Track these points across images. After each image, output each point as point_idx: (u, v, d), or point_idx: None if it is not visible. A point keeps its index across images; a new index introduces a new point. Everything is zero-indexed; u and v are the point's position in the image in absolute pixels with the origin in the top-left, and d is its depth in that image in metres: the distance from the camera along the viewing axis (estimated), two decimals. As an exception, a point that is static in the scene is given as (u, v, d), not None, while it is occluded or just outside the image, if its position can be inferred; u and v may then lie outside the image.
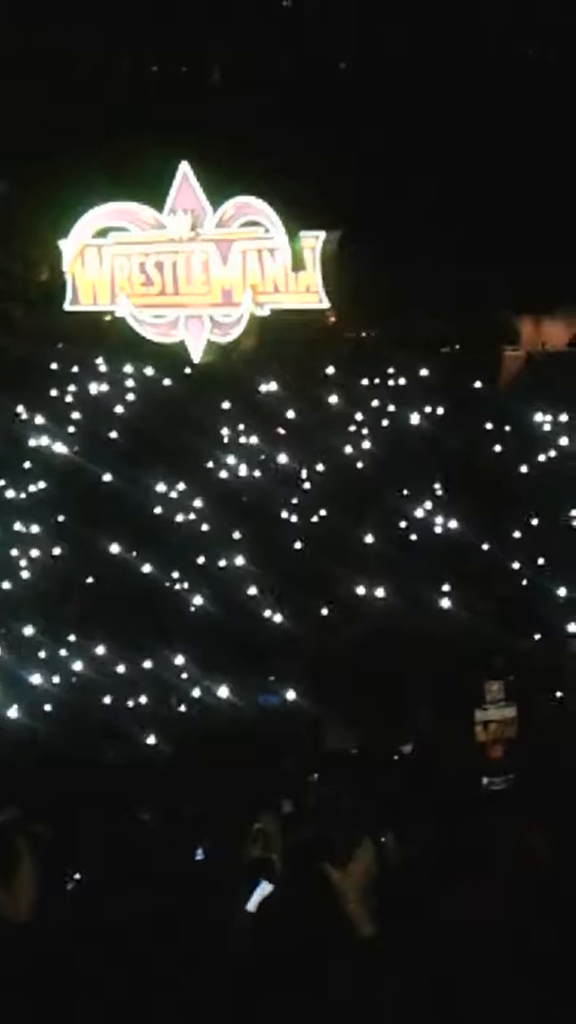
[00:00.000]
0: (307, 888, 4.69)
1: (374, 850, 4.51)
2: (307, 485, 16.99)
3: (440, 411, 17.62)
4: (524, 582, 15.55)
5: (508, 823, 5.98)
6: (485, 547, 15.77)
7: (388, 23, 18.83)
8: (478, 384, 18.22)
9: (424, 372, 18.23)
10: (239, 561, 15.80)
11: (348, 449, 17.35)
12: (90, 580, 15.87)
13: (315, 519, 16.46)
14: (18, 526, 16.45)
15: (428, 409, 17.63)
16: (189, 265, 17.93)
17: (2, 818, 4.65)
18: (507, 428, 17.41)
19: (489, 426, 17.48)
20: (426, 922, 4.80)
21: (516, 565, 15.62)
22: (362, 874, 4.40)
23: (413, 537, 16.29)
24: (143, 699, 14.51)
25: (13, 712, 14.05)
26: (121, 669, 14.65)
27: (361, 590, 15.39)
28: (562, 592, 15.08)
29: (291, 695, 14.19)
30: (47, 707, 14.24)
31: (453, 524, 16.11)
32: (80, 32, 19.59)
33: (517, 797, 8.35)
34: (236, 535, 16.14)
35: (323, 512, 16.46)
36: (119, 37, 19.79)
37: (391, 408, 17.81)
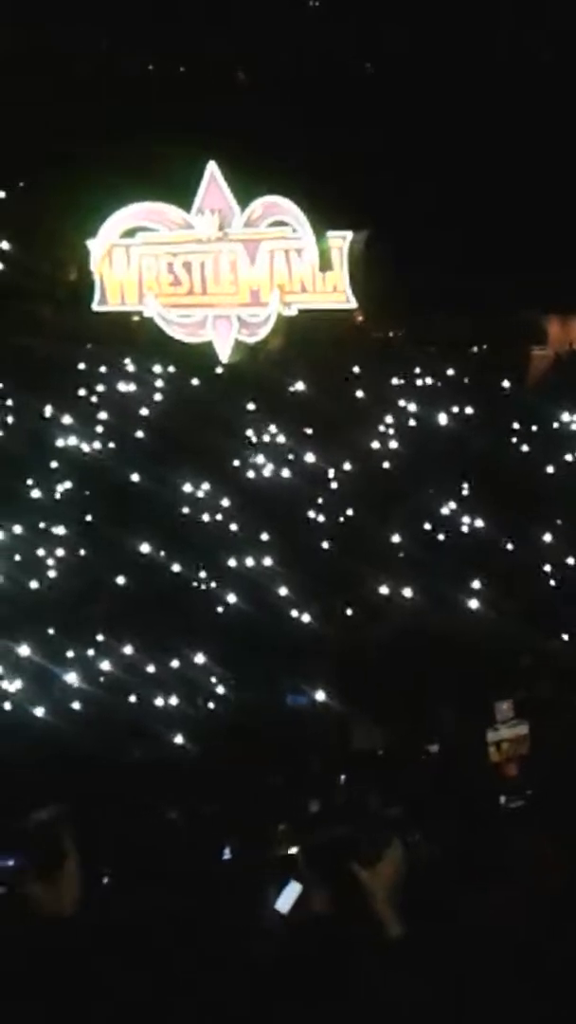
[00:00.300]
0: (334, 888, 4.71)
1: (402, 850, 4.53)
2: (334, 485, 17.00)
3: (467, 411, 17.62)
4: (551, 582, 15.53)
5: (526, 834, 5.99)
6: (511, 547, 15.76)
7: (411, 24, 18.79)
8: (506, 384, 18.21)
9: (451, 372, 18.22)
10: (266, 561, 15.81)
11: (375, 447, 17.37)
12: (117, 580, 15.89)
13: (342, 519, 16.47)
14: (44, 526, 16.50)
15: (455, 409, 17.63)
16: (217, 265, 17.94)
17: (47, 814, 4.67)
18: (534, 428, 17.40)
19: (516, 426, 17.47)
20: (447, 924, 4.81)
21: (544, 566, 15.60)
22: (391, 874, 4.41)
23: (440, 537, 16.29)
24: (170, 699, 14.53)
25: (39, 711, 14.11)
26: (149, 669, 14.68)
27: (387, 590, 15.38)
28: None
29: (319, 695, 14.19)
30: (74, 706, 14.29)
31: (479, 524, 16.10)
32: (92, 32, 19.59)
33: (535, 810, 8.37)
34: (263, 535, 16.15)
35: (350, 512, 16.46)
36: (134, 38, 19.78)
37: (418, 408, 17.81)
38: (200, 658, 14.74)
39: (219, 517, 16.63)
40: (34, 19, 19.24)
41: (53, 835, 4.73)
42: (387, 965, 4.24)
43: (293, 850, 7.21)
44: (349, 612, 15.64)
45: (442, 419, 17.56)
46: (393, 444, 17.45)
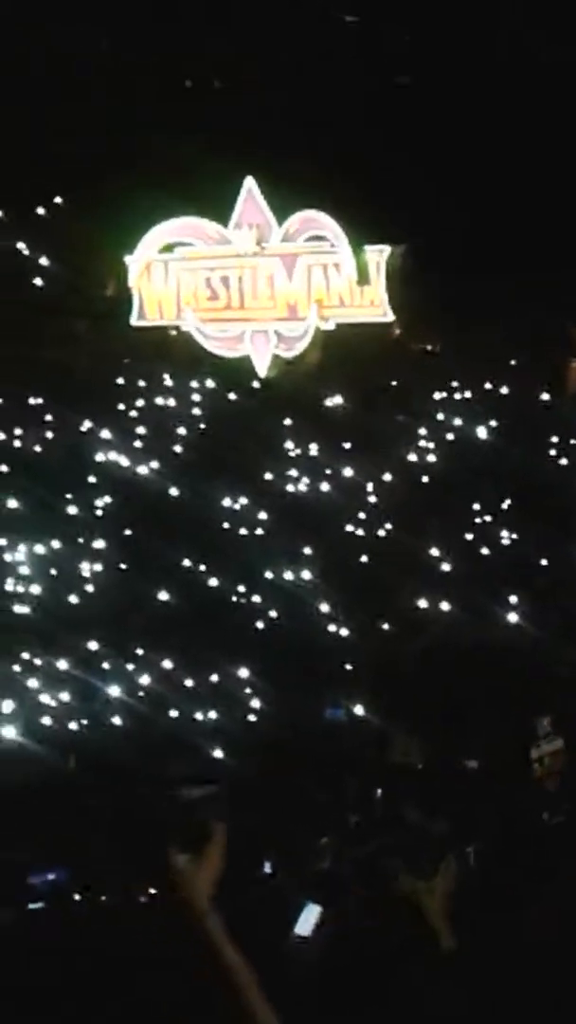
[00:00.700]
0: (388, 901, 4.74)
1: (456, 864, 4.59)
2: (372, 498, 17.02)
3: (505, 424, 17.62)
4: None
5: (570, 847, 6.00)
6: (549, 560, 15.73)
7: (446, 34, 18.73)
8: (544, 396, 18.18)
9: (489, 384, 18.21)
10: (305, 574, 15.85)
11: (413, 460, 17.39)
12: (156, 594, 15.95)
13: (380, 532, 16.49)
14: (83, 540, 16.58)
15: (493, 421, 17.64)
16: (254, 279, 18.01)
17: (199, 791, 4.65)
18: (573, 441, 17.38)
19: (555, 439, 17.46)
20: (495, 937, 4.82)
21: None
22: (447, 888, 4.47)
23: (479, 551, 16.28)
24: (208, 712, 14.56)
25: (79, 724, 14.17)
26: (187, 682, 14.72)
27: (425, 603, 15.39)
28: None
29: (357, 709, 14.20)
30: (114, 720, 14.34)
31: (517, 537, 16.09)
32: (118, 40, 19.57)
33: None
34: (301, 549, 16.19)
35: (388, 525, 16.48)
36: (162, 46, 19.74)
37: (456, 421, 17.82)
38: (238, 672, 14.77)
39: (257, 531, 16.67)
40: (62, 25, 19.25)
41: (203, 812, 4.72)
42: (439, 976, 4.28)
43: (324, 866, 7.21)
44: (387, 625, 15.64)
45: (480, 432, 17.56)
46: (431, 457, 17.46)
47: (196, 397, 18.69)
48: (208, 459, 17.51)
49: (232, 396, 18.55)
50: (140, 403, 18.57)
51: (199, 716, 14.49)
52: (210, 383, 18.73)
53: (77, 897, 10.05)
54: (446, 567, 15.92)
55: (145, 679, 14.77)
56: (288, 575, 15.91)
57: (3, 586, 16.12)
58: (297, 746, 13.56)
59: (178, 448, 17.90)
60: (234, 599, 15.94)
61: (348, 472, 17.14)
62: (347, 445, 17.54)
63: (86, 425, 18.00)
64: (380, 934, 4.90)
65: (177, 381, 18.80)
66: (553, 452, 17.45)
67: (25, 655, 14.90)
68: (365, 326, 17.73)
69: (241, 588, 15.99)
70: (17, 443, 17.94)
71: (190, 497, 16.89)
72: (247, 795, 11.79)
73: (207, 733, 14.21)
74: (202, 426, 18.31)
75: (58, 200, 19.87)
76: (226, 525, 16.75)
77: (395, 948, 4.58)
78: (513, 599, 15.16)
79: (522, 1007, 4.26)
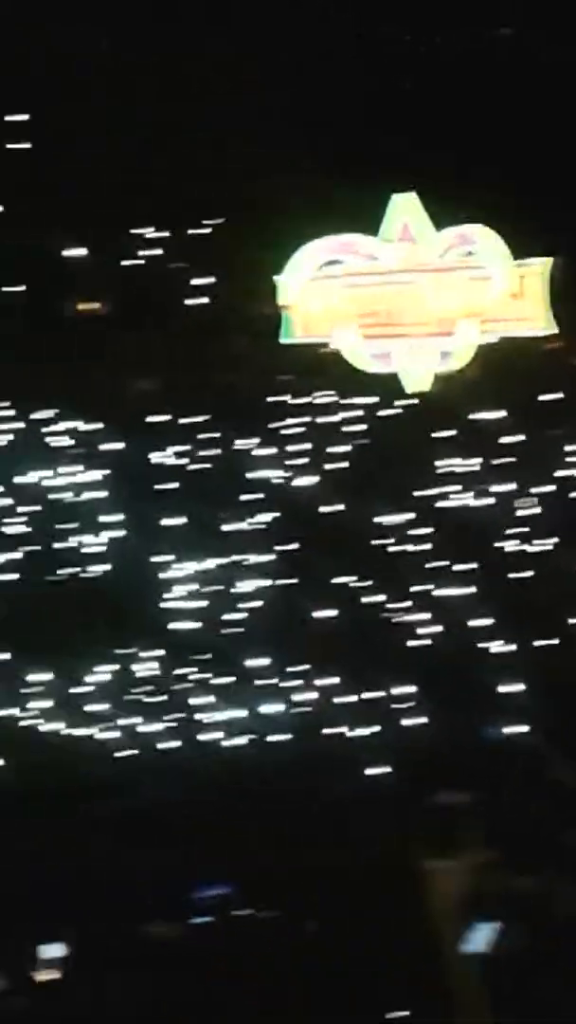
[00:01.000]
0: (558, 920, 4.76)
1: None
2: (530, 512, 16.94)
3: None
4: None
5: None
6: None
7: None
8: None
9: None
10: (464, 591, 15.83)
11: (572, 475, 17.26)
12: (316, 610, 16.06)
13: (540, 547, 16.40)
14: (244, 557, 16.74)
15: None
16: (408, 295, 17.99)
17: (447, 798, 4.73)
18: None
19: None
20: None
21: None
22: None
23: None
24: (368, 728, 14.61)
25: (231, 743, 14.30)
26: (346, 699, 14.78)
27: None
28: None
29: (517, 728, 14.13)
30: (273, 738, 14.45)
31: None
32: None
33: None
34: (460, 565, 16.17)
35: (548, 540, 16.39)
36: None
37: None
38: (398, 688, 14.80)
39: (416, 546, 16.68)
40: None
41: (449, 818, 4.79)
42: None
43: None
44: (548, 642, 15.55)
45: None
46: (589, 471, 17.34)
47: (350, 414, 18.72)
48: (365, 475, 17.55)
49: (387, 412, 18.55)
50: (296, 420, 18.66)
51: (359, 732, 14.53)
52: (365, 399, 18.74)
53: (242, 912, 10.16)
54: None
55: (305, 695, 14.86)
56: (447, 591, 15.89)
57: (167, 603, 16.37)
58: (457, 763, 13.53)
59: (335, 464, 17.96)
60: (393, 615, 15.97)
61: (507, 487, 17.07)
62: (505, 460, 17.47)
63: (245, 443, 18.15)
64: (548, 953, 4.90)
65: (331, 398, 18.85)
66: None
67: (187, 671, 15.08)
68: (520, 339, 17.62)
69: (400, 604, 16.02)
70: (179, 461, 18.17)
71: (348, 513, 16.96)
72: (407, 814, 11.81)
73: (367, 749, 14.25)
74: (358, 442, 18.35)
75: (213, 221, 20.05)
76: (384, 541, 16.78)
77: (563, 967, 4.58)
78: None
79: None
